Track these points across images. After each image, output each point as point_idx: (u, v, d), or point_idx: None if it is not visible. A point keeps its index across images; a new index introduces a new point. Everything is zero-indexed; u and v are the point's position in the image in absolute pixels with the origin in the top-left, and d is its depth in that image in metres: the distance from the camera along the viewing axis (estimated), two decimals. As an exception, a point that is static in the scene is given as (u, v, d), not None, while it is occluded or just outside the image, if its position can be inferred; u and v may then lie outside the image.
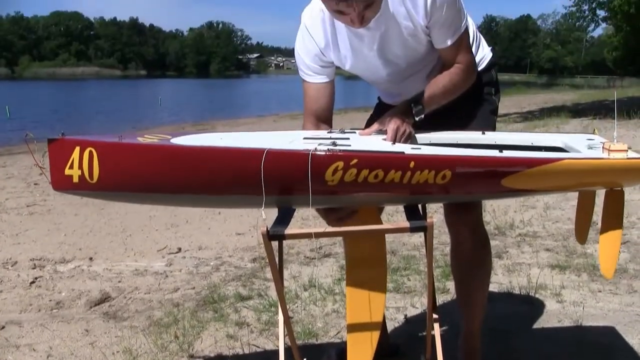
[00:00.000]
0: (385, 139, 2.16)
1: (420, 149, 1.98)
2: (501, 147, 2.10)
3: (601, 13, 37.90)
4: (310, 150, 1.80)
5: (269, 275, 4.02)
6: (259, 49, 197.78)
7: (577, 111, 18.44)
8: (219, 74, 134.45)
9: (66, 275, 4.41)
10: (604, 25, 50.11)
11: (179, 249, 5.10)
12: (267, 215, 1.78)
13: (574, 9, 41.29)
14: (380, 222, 2.15)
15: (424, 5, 2.16)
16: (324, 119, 2.49)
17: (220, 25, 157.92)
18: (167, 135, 2.16)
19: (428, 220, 1.84)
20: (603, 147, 2.05)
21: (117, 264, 4.71)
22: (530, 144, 2.36)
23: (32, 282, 4.25)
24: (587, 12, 40.47)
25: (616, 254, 2.13)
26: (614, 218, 2.11)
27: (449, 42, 2.28)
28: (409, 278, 3.90)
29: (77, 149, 1.92)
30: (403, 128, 2.18)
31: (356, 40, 2.32)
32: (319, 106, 2.49)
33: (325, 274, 4.09)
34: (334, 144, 1.91)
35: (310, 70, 2.45)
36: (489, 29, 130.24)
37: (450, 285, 3.62)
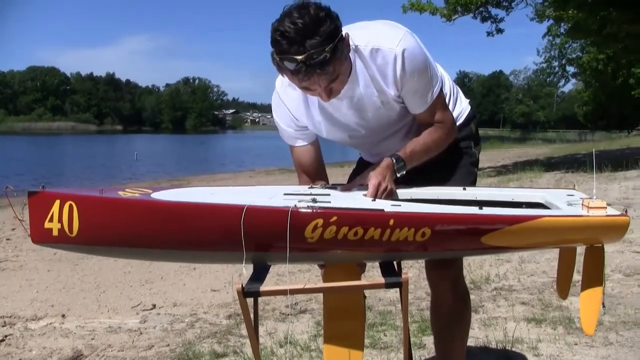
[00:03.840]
0: (365, 195, 2.18)
1: (400, 205, 1.99)
2: (481, 204, 2.11)
3: (571, 69, 38.99)
4: (290, 208, 1.81)
5: (245, 331, 3.98)
6: (235, 104, 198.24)
7: (550, 165, 18.66)
8: (194, 129, 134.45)
9: (37, 333, 4.33)
10: (573, 81, 51.44)
11: (154, 306, 5.04)
12: (242, 271, 1.78)
13: (544, 65, 42.39)
14: (358, 278, 2.14)
15: (393, 76, 2.20)
16: (316, 176, 2.52)
17: (197, 81, 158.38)
18: (148, 189, 2.16)
19: (403, 276, 1.84)
20: (582, 204, 2.06)
21: (90, 320, 4.64)
22: (510, 200, 2.38)
23: (2, 340, 4.17)
24: (557, 69, 41.57)
25: (597, 311, 2.13)
26: (594, 274, 2.11)
27: (423, 109, 2.32)
28: (385, 333, 3.88)
29: (58, 202, 1.92)
30: (384, 184, 2.19)
31: (329, 108, 2.35)
32: (305, 166, 2.53)
33: (301, 330, 4.05)
34: (314, 201, 1.91)
35: (289, 135, 2.50)
36: (462, 84, 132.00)
37: (427, 340, 3.61)
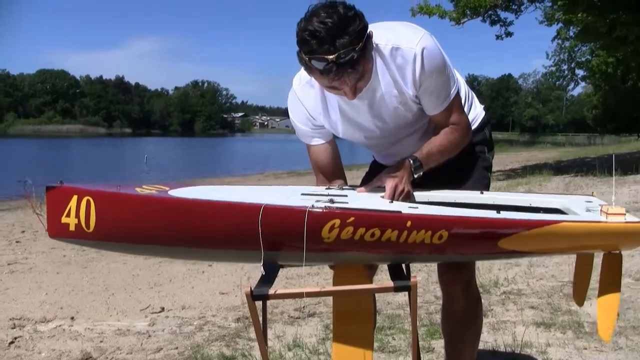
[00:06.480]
0: (383, 197, 2.18)
1: (417, 207, 1.98)
2: (499, 208, 2.10)
3: (580, 72, 38.75)
4: (307, 207, 1.81)
5: (253, 335, 3.98)
6: (244, 107, 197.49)
7: (559, 169, 18.60)
8: (203, 132, 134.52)
9: (47, 335, 4.34)
10: (583, 84, 51.16)
11: (162, 309, 5.05)
12: (251, 274, 1.79)
13: (553, 68, 42.18)
14: (368, 280, 2.13)
15: (412, 75, 2.20)
16: (333, 175, 2.53)
17: (205, 84, 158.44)
18: (165, 187, 2.17)
19: (412, 279, 1.84)
20: (601, 210, 2.04)
21: (99, 323, 4.65)
22: (528, 205, 2.36)
23: (11, 343, 4.17)
24: (566, 72, 41.32)
25: (614, 318, 2.09)
26: (611, 282, 2.09)
27: (440, 110, 2.32)
28: (393, 337, 3.87)
29: (75, 197, 1.94)
30: (402, 186, 2.20)
31: (347, 107, 2.35)
32: (322, 165, 2.54)
33: (309, 334, 4.05)
34: (332, 201, 1.92)
35: (305, 134, 2.50)
36: (472, 87, 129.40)
37: (435, 344, 3.60)
